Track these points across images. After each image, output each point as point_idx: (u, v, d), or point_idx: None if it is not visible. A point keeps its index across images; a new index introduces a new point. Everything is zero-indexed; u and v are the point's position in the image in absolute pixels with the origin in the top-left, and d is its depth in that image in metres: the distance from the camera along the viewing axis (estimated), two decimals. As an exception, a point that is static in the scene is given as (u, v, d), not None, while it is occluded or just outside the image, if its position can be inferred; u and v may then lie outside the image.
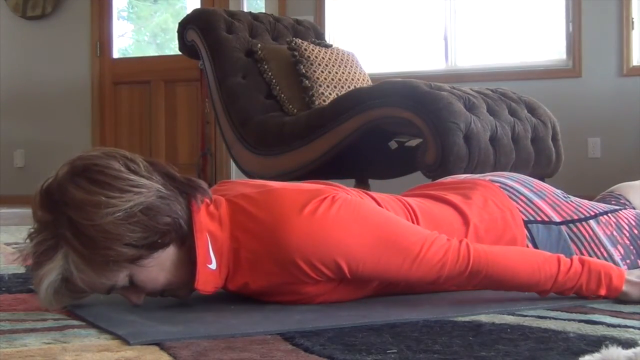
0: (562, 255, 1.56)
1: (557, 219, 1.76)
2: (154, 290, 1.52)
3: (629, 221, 1.82)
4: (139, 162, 1.49)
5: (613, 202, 2.00)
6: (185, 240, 1.50)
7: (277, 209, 1.50)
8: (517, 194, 1.78)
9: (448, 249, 1.52)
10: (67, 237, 1.42)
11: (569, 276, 1.53)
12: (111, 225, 1.41)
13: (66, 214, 1.42)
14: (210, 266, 1.51)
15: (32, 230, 1.47)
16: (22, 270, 2.21)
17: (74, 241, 1.42)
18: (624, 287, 1.53)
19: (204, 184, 1.56)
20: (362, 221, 1.51)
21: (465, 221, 1.68)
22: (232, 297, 1.70)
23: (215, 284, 1.53)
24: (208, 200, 1.55)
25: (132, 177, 1.45)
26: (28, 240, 1.47)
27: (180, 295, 1.57)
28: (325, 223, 1.47)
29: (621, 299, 1.54)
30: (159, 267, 1.48)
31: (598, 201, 2.04)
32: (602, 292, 1.53)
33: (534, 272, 1.53)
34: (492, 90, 4.12)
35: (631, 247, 1.79)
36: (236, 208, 1.54)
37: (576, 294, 1.56)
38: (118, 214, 1.41)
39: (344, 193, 1.57)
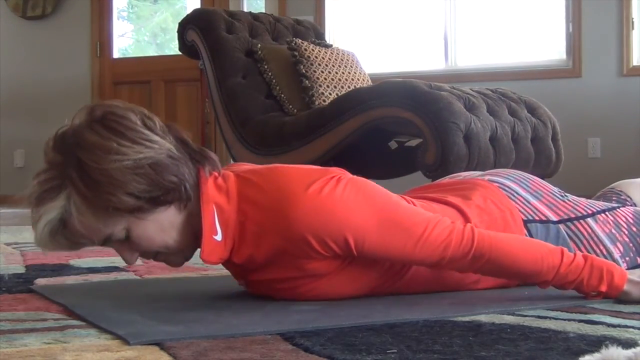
0: (565, 249, 1.57)
1: (554, 218, 1.76)
2: (149, 249, 1.53)
3: (627, 219, 1.82)
4: (155, 121, 1.52)
5: (614, 198, 2.00)
6: (187, 206, 1.52)
7: (285, 184, 1.51)
8: (515, 194, 1.78)
9: (452, 231, 1.53)
10: (73, 178, 1.44)
11: (571, 269, 1.53)
12: (118, 171, 1.42)
13: (76, 155, 1.44)
14: (215, 237, 1.52)
15: (40, 170, 1.49)
16: (22, 270, 2.21)
17: (79, 182, 1.43)
18: (625, 287, 1.53)
19: (215, 157, 1.58)
20: (367, 200, 1.52)
21: (466, 221, 1.68)
22: (232, 297, 1.70)
23: (220, 255, 1.54)
24: (217, 174, 1.57)
25: (147, 132, 1.48)
26: (34, 181, 1.49)
27: (173, 262, 1.58)
28: (331, 201, 1.49)
29: (622, 298, 1.54)
30: (157, 227, 1.49)
31: (599, 197, 2.04)
32: (603, 288, 1.53)
33: (536, 261, 1.53)
34: (492, 90, 4.12)
35: (630, 245, 1.79)
36: (244, 182, 1.56)
37: (576, 289, 1.56)
38: (126, 162, 1.43)
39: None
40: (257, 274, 1.60)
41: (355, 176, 1.57)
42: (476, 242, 1.52)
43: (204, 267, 2.24)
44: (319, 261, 1.53)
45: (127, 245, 1.51)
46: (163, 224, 1.50)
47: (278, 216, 1.49)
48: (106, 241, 1.51)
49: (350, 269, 1.57)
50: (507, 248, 1.54)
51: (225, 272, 2.15)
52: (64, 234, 1.49)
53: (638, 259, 1.79)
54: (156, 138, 1.48)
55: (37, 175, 1.48)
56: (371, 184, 1.57)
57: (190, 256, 1.58)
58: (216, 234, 1.52)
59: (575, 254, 1.55)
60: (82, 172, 1.44)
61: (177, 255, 1.56)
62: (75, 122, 1.49)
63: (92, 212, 1.45)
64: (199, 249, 1.54)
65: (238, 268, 1.63)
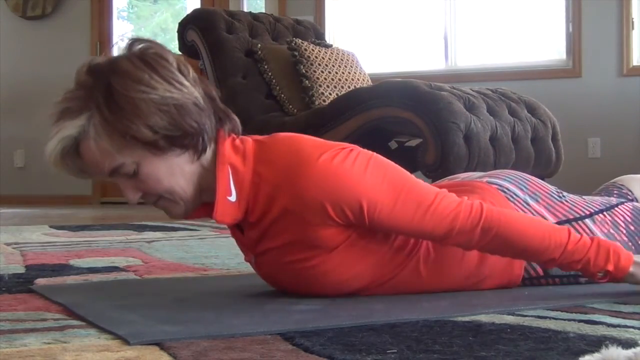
0: (571, 228, 1.57)
1: (552, 220, 1.76)
2: (154, 190, 1.54)
3: (624, 218, 1.82)
4: (189, 69, 1.55)
5: (615, 192, 2.01)
6: (201, 159, 1.55)
7: (300, 150, 1.53)
8: (513, 195, 1.78)
9: (461, 203, 1.54)
10: (99, 100, 1.47)
11: (578, 247, 1.53)
12: (143, 102, 1.46)
13: (108, 79, 1.48)
14: (229, 198, 1.54)
15: (68, 89, 1.53)
16: (22, 270, 2.21)
17: (104, 106, 1.47)
18: (631, 268, 1.54)
19: (237, 119, 1.61)
20: (378, 169, 1.54)
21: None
22: (232, 297, 1.70)
23: (234, 216, 1.56)
24: (235, 136, 1.60)
25: (179, 75, 1.51)
26: (60, 98, 1.53)
27: (173, 211, 1.59)
28: (342, 169, 1.50)
29: (627, 280, 1.55)
30: (167, 169, 1.52)
31: (601, 191, 2.04)
32: (610, 267, 1.53)
33: (544, 237, 1.54)
34: (492, 90, 4.12)
35: (629, 244, 1.79)
36: (261, 145, 1.59)
37: (583, 270, 1.55)
38: (153, 95, 1.46)
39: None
40: (266, 242, 1.60)
41: (365, 150, 1.58)
42: (485, 215, 1.53)
43: (204, 267, 2.25)
44: (328, 229, 1.53)
45: (133, 182, 1.53)
46: (173, 168, 1.53)
47: (292, 180, 1.51)
48: (114, 173, 1.52)
49: (357, 245, 1.57)
50: (515, 223, 1.55)
51: (226, 272, 2.15)
52: (74, 157, 1.53)
53: (638, 258, 1.79)
54: (187, 83, 1.51)
55: (64, 94, 1.52)
56: (382, 157, 1.59)
57: (190, 211, 1.59)
58: (230, 195, 1.55)
59: (581, 235, 1.56)
60: (109, 97, 1.47)
61: (178, 205, 1.57)
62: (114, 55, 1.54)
63: (109, 136, 1.48)
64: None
65: (247, 240, 1.63)
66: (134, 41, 1.55)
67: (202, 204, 1.62)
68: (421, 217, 1.52)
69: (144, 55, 1.51)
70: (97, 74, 1.50)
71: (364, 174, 1.51)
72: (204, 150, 1.54)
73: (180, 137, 1.50)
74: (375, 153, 1.59)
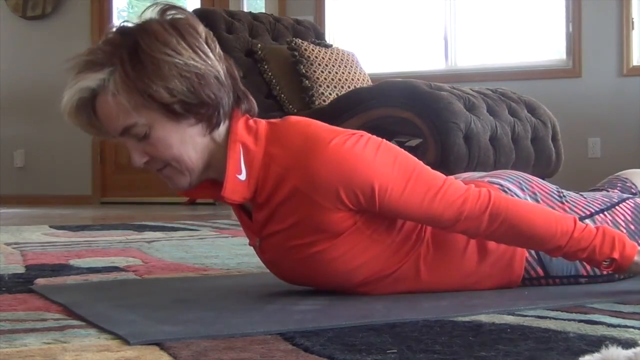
0: (576, 217, 1.59)
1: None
2: (162, 156, 1.55)
3: (625, 217, 1.82)
4: (216, 45, 1.58)
5: (619, 186, 2.02)
6: (213, 134, 1.56)
7: (312, 134, 1.54)
8: (514, 195, 1.78)
9: (469, 189, 1.56)
10: (124, 57, 1.50)
11: (584, 235, 1.55)
12: (166, 65, 1.49)
13: (135, 38, 1.51)
14: (239, 176, 1.56)
15: (95, 44, 1.57)
16: (22, 270, 2.21)
17: (127, 62, 1.49)
18: (636, 257, 1.55)
19: (254, 102, 1.63)
20: (389, 154, 1.55)
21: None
22: (232, 297, 1.70)
23: (243, 194, 1.57)
24: (249, 116, 1.61)
25: (206, 47, 1.54)
26: (86, 50, 1.56)
27: (177, 181, 1.59)
28: (353, 152, 1.51)
29: (632, 269, 1.56)
30: (178, 136, 1.54)
31: (604, 184, 2.05)
32: (616, 255, 1.54)
33: (550, 224, 1.55)
34: (492, 90, 4.13)
35: (630, 243, 1.79)
36: (273, 127, 1.60)
37: (589, 259, 1.56)
38: (178, 60, 1.49)
39: None
40: (272, 225, 1.59)
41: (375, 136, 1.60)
42: (493, 201, 1.54)
43: (204, 267, 2.25)
44: (336, 213, 1.53)
45: (142, 145, 1.55)
46: (185, 138, 1.54)
47: (303, 162, 1.52)
48: (124, 132, 1.54)
49: (362, 235, 1.57)
50: (522, 211, 1.56)
51: (226, 272, 2.15)
52: (89, 110, 1.55)
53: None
54: (212, 56, 1.54)
55: (90, 49, 1.56)
56: (391, 143, 1.60)
57: (195, 184, 1.60)
58: (240, 174, 1.56)
59: (586, 224, 1.58)
60: (134, 54, 1.50)
61: (184, 175, 1.58)
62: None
63: (127, 93, 1.50)
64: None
65: (254, 222, 1.63)
66: (168, 7, 1.57)
67: (209, 182, 1.63)
68: (430, 200, 1.53)
69: (175, 21, 1.54)
70: (126, 32, 1.54)
71: (374, 158, 1.52)
72: (218, 124, 1.56)
73: (197, 105, 1.52)
74: (384, 139, 1.60)
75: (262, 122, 1.61)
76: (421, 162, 1.60)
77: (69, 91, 1.53)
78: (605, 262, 1.56)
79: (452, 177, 1.60)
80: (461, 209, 1.53)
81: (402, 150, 1.60)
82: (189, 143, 1.55)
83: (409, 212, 1.55)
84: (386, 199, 1.52)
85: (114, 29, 1.56)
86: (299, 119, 1.62)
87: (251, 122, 1.61)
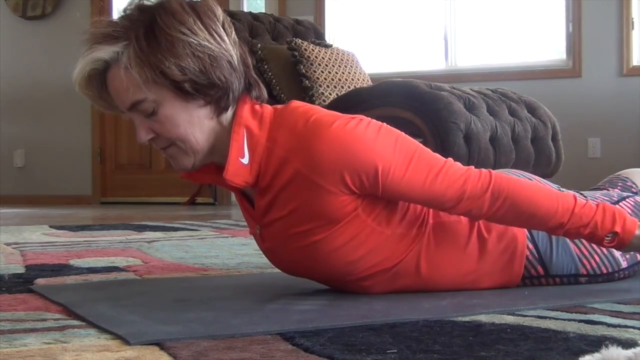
0: (576, 194, 1.60)
1: (552, 219, 1.76)
2: (168, 134, 1.56)
3: (625, 216, 1.82)
4: (233, 31, 1.60)
5: (619, 185, 2.02)
6: (220, 117, 1.57)
7: (314, 119, 1.55)
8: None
9: (470, 168, 1.57)
10: (139, 32, 1.52)
11: (585, 211, 1.55)
12: (180, 43, 1.50)
13: (153, 14, 1.53)
14: (242, 160, 1.57)
15: (113, 19, 1.59)
16: (22, 270, 2.21)
17: (143, 37, 1.51)
18: (637, 231, 1.56)
19: (265, 90, 1.65)
20: (389, 135, 1.55)
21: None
22: (232, 297, 1.70)
23: (245, 178, 1.57)
24: (256, 101, 1.63)
25: (222, 31, 1.56)
26: (103, 22, 1.59)
27: (181, 161, 1.60)
28: (354, 134, 1.52)
29: (633, 243, 1.56)
30: (186, 116, 1.55)
31: (605, 183, 2.05)
32: (618, 228, 1.55)
33: (552, 201, 1.56)
34: (492, 90, 4.13)
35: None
36: (277, 112, 1.61)
37: (591, 235, 1.56)
38: (192, 39, 1.51)
39: None
40: (274, 211, 1.59)
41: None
42: (494, 179, 1.55)
43: (204, 267, 2.25)
44: (338, 197, 1.52)
45: (149, 122, 1.56)
46: (192, 118, 1.56)
47: (305, 144, 1.52)
48: (133, 107, 1.55)
49: (362, 224, 1.56)
50: (523, 189, 1.57)
51: (226, 272, 2.15)
52: (100, 82, 1.57)
53: (638, 256, 1.79)
54: (227, 40, 1.56)
55: (107, 21, 1.58)
56: (392, 127, 1.61)
57: (198, 166, 1.61)
58: (243, 157, 1.57)
59: (586, 200, 1.58)
60: (150, 30, 1.51)
61: (188, 156, 1.59)
62: None
63: (140, 67, 1.51)
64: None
65: (256, 209, 1.63)
66: None
67: (212, 166, 1.64)
68: (432, 180, 1.53)
69: (194, 3, 1.56)
70: (145, 9, 1.55)
71: (376, 140, 1.53)
72: (226, 108, 1.57)
73: (206, 86, 1.53)
74: (385, 123, 1.60)
75: (268, 108, 1.63)
76: (421, 144, 1.61)
77: (82, 61, 1.56)
78: (608, 237, 1.56)
79: (451, 159, 1.61)
80: (463, 187, 1.54)
81: (402, 132, 1.60)
82: (196, 124, 1.56)
83: (412, 193, 1.55)
84: (389, 180, 1.52)
85: (134, 4, 1.57)
86: (301, 103, 1.63)
87: (257, 107, 1.62)
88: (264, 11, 6.39)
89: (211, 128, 1.58)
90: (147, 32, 1.52)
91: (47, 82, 7.37)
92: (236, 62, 1.57)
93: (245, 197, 1.68)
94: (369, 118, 1.58)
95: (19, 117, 7.50)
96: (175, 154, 1.60)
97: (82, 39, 1.57)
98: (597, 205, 1.57)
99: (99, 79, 1.58)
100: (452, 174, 1.55)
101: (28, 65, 7.51)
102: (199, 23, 1.53)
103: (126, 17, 1.56)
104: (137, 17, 1.54)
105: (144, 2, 1.58)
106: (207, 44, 1.52)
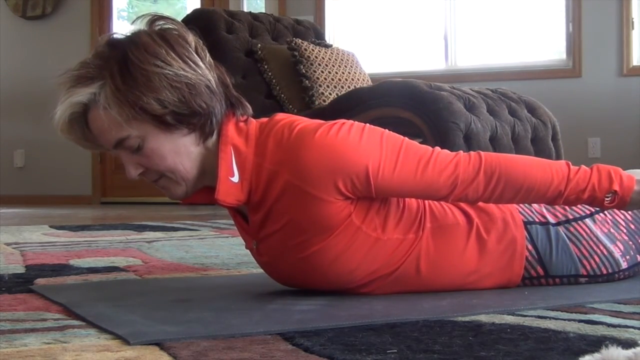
0: (569, 162, 1.59)
1: (552, 220, 1.76)
2: (156, 167, 1.55)
3: (625, 216, 1.82)
4: (207, 53, 1.59)
5: None
6: (206, 142, 1.57)
7: (297, 128, 1.54)
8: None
9: (459, 153, 1.56)
10: (113, 70, 1.50)
11: (580, 176, 1.55)
12: (156, 76, 1.49)
13: (125, 50, 1.51)
14: (232, 179, 1.56)
15: (85, 58, 1.56)
16: (22, 270, 2.21)
17: (117, 75, 1.50)
18: (636, 187, 1.56)
19: (249, 107, 1.63)
20: (373, 134, 1.55)
21: (469, 220, 1.68)
22: (232, 297, 1.70)
23: (236, 197, 1.57)
24: (240, 117, 1.61)
25: (195, 56, 1.55)
26: (76, 65, 1.56)
27: (173, 191, 1.60)
28: (339, 139, 1.51)
29: (635, 200, 1.55)
30: (172, 147, 1.54)
31: None
32: (616, 187, 1.54)
33: (545, 171, 1.55)
34: (492, 90, 4.13)
35: (630, 243, 1.79)
36: (262, 126, 1.60)
37: (591, 198, 1.55)
38: (168, 71, 1.49)
39: None
40: (268, 225, 1.59)
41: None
42: (484, 158, 1.54)
43: (204, 267, 2.25)
44: (329, 205, 1.52)
45: (136, 158, 1.55)
46: (178, 148, 1.55)
47: (292, 155, 1.52)
48: (118, 145, 1.54)
49: (357, 232, 1.56)
50: (515, 163, 1.56)
51: (226, 272, 2.15)
52: (82, 124, 1.56)
53: (638, 257, 1.79)
54: (202, 65, 1.55)
55: (80, 63, 1.55)
56: (375, 126, 1.61)
57: (191, 192, 1.61)
58: (233, 176, 1.56)
59: (580, 165, 1.58)
60: (124, 67, 1.50)
61: (180, 185, 1.59)
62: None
63: (118, 105, 1.49)
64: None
65: (250, 225, 1.63)
66: (156, 18, 1.57)
67: (203, 188, 1.63)
68: (423, 169, 1.53)
69: (164, 32, 1.55)
70: (116, 44, 1.54)
71: (360, 141, 1.52)
72: (211, 133, 1.56)
73: (188, 115, 1.52)
74: (368, 124, 1.60)
75: (253, 123, 1.62)
76: (407, 138, 1.60)
77: (61, 107, 1.54)
78: (607, 197, 1.56)
79: (439, 147, 1.61)
80: (455, 172, 1.53)
81: (386, 130, 1.60)
82: (183, 153, 1.55)
83: (405, 186, 1.54)
84: (380, 178, 1.52)
85: (104, 41, 1.55)
86: (284, 115, 1.62)
87: (242, 124, 1.60)
88: (264, 11, 6.39)
89: (198, 154, 1.57)
90: (121, 69, 1.50)
91: (47, 82, 7.34)
92: (214, 85, 1.55)
93: (239, 214, 1.67)
94: (352, 121, 1.58)
95: (18, 117, 7.50)
96: (166, 185, 1.59)
97: (58, 82, 1.55)
98: (592, 168, 1.57)
99: (80, 121, 1.56)
100: (442, 160, 1.54)
101: (28, 65, 7.51)
102: (171, 53, 1.51)
103: (98, 55, 1.54)
104: (108, 54, 1.53)
105: (114, 37, 1.56)
106: (183, 72, 1.51)
